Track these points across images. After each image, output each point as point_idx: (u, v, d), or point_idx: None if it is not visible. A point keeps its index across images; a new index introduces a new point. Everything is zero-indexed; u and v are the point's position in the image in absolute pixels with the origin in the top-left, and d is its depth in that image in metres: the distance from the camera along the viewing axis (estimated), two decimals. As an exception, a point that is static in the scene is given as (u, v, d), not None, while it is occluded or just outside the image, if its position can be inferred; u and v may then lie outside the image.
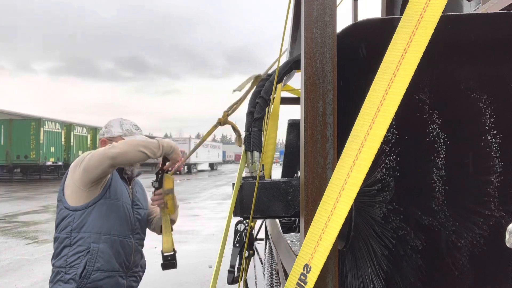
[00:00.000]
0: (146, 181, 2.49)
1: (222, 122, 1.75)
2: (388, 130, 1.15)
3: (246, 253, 1.97)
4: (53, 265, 2.13)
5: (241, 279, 1.75)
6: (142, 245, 2.36)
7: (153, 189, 2.19)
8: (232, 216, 1.51)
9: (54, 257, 2.13)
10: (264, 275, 3.40)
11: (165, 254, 2.24)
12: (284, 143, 3.10)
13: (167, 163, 2.18)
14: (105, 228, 2.11)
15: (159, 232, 2.36)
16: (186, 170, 39.87)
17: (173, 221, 2.33)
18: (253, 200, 1.40)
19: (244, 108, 1.63)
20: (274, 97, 1.59)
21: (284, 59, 2.19)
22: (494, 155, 1.17)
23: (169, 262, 2.25)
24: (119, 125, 2.34)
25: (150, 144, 2.06)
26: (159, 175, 2.17)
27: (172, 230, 2.26)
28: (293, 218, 2.53)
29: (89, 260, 2.05)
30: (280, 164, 3.19)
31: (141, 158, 2.05)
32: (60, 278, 2.06)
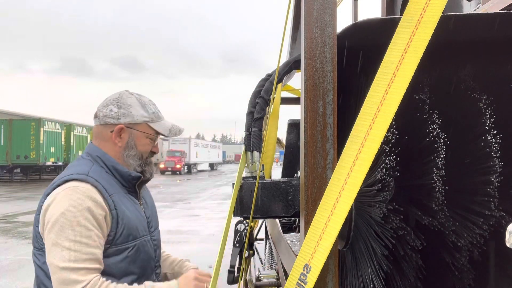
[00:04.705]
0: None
1: None
2: (388, 130, 1.15)
3: (246, 253, 1.96)
4: None
5: (241, 279, 1.74)
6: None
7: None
8: (232, 216, 1.51)
9: None
10: (264, 275, 3.39)
11: None
12: (284, 143, 3.09)
13: None
14: (127, 278, 1.59)
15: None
16: (186, 170, 39.88)
17: None
18: (253, 200, 1.39)
19: (244, 108, 1.63)
20: (274, 97, 1.59)
21: (284, 59, 2.19)
22: (494, 155, 1.17)
23: None
24: (139, 105, 1.59)
25: None
26: None
27: None
28: (293, 218, 2.53)
29: None
30: (280, 164, 3.19)
31: None
32: None
